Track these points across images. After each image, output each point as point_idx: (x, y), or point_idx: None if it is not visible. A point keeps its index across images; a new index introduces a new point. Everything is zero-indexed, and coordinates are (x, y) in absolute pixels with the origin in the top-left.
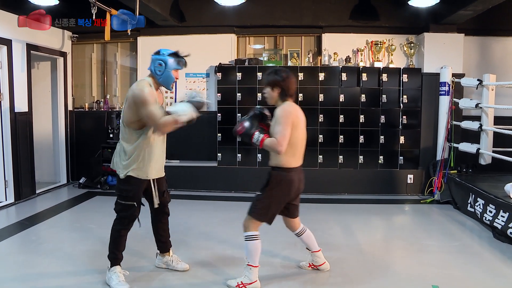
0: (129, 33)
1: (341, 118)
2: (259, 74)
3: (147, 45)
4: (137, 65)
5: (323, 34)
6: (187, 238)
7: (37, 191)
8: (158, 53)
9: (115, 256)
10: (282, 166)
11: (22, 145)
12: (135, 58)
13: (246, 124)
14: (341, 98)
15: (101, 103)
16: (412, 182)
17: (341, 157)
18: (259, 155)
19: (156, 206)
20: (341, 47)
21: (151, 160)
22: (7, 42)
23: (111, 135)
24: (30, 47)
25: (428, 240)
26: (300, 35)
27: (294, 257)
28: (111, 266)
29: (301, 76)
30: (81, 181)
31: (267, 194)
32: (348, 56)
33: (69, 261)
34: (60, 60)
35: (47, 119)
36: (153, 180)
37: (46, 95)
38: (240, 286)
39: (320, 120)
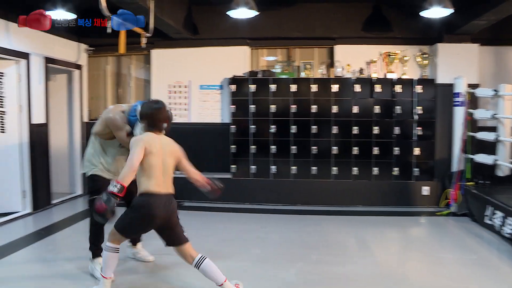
0: (144, 46)
1: (355, 130)
2: (273, 86)
3: (161, 57)
4: (150, 77)
5: (335, 46)
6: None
7: (53, 202)
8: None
9: (96, 248)
10: (143, 191)
11: (39, 156)
12: (149, 70)
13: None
14: (355, 109)
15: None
16: (427, 194)
17: (355, 168)
18: (273, 167)
19: None
20: (354, 58)
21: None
22: (26, 56)
23: None
24: (47, 60)
25: (445, 253)
26: (313, 47)
27: None
28: (93, 258)
29: (314, 87)
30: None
31: (127, 213)
32: (361, 67)
33: (86, 269)
34: (76, 72)
35: (63, 130)
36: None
37: (62, 107)
38: None
39: (334, 131)
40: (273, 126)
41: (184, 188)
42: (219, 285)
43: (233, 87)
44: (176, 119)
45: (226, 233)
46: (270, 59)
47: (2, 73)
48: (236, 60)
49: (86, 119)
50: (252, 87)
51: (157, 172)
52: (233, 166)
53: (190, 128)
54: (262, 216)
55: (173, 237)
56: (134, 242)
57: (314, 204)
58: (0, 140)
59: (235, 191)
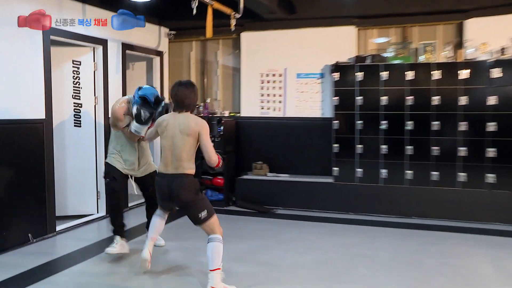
0: (233, 29)
1: (491, 126)
2: (384, 74)
3: (252, 41)
4: (240, 64)
5: (466, 21)
6: (295, 264)
7: (130, 205)
8: (139, 89)
9: (117, 226)
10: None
11: None
12: (238, 56)
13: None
14: (491, 100)
15: (201, 107)
16: None
17: (491, 175)
18: (384, 171)
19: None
20: (492, 35)
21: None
22: (103, 42)
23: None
24: (125, 46)
25: None
26: (436, 24)
27: None
28: (114, 235)
29: (436, 74)
30: None
31: None
32: (503, 46)
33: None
34: (156, 60)
35: None
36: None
37: None
38: None
39: (461, 128)
40: (383, 122)
41: (276, 195)
42: (210, 270)
43: (336, 76)
44: (269, 113)
45: (325, 248)
46: (381, 41)
47: (78, 61)
48: (340, 43)
49: None
50: (359, 75)
51: (166, 152)
52: (335, 168)
53: (285, 123)
54: (369, 229)
55: (189, 217)
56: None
57: (435, 217)
58: (76, 135)
59: (336, 198)
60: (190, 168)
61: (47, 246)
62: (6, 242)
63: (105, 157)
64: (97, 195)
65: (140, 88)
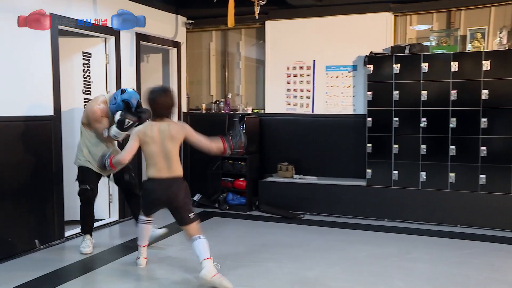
0: (257, 17)
1: None
2: (424, 65)
3: (277, 31)
4: (264, 56)
5: None
6: (324, 275)
7: None
8: (123, 92)
9: (85, 225)
10: (147, 177)
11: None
12: (262, 47)
13: (101, 159)
14: None
15: (221, 103)
16: None
17: None
18: (423, 173)
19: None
20: None
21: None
22: (115, 32)
23: None
24: (139, 37)
25: None
26: (488, 6)
27: None
28: (83, 234)
29: (486, 65)
30: (195, 198)
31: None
32: None
33: None
34: (173, 51)
35: None
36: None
37: None
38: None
39: None
40: (423, 119)
41: (303, 199)
42: (204, 259)
43: (370, 68)
44: (296, 110)
45: (356, 258)
46: (422, 29)
47: (89, 53)
48: (375, 31)
49: (184, 109)
50: (396, 67)
51: (157, 158)
52: (368, 170)
53: (313, 121)
54: (406, 238)
55: (178, 217)
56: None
57: (482, 226)
58: None
59: (370, 203)
60: (181, 171)
61: (55, 254)
62: (11, 249)
63: (76, 160)
64: (109, 198)
65: (123, 92)
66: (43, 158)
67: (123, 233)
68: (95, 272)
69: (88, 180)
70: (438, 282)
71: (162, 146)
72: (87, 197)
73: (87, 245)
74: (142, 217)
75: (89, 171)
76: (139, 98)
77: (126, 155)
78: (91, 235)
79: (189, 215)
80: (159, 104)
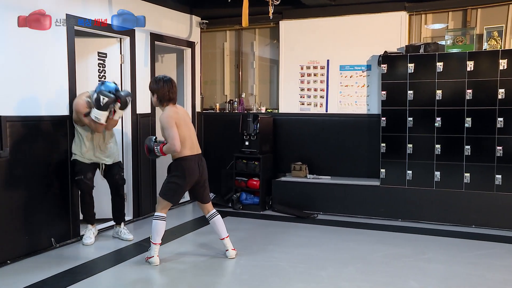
0: (271, 17)
1: None
2: (439, 65)
3: (291, 30)
4: (278, 56)
5: None
6: (337, 275)
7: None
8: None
9: (89, 216)
10: (180, 157)
11: (144, 152)
12: (276, 47)
13: (148, 143)
14: None
15: (235, 103)
16: None
17: None
18: (437, 173)
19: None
20: None
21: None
22: (130, 33)
23: (246, 143)
24: (154, 37)
25: None
26: (506, 4)
27: None
28: (86, 224)
29: (503, 64)
30: None
31: (170, 179)
32: None
33: None
34: (187, 51)
35: None
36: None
37: None
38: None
39: None
40: (438, 119)
41: (317, 198)
42: (221, 239)
43: (385, 67)
44: (310, 110)
45: (370, 258)
46: (437, 27)
47: (104, 54)
48: (389, 31)
49: (198, 109)
50: (411, 67)
51: (187, 138)
52: (382, 170)
53: (327, 120)
54: (420, 238)
55: (201, 195)
56: (118, 221)
57: (498, 227)
58: None
59: (384, 203)
60: None
61: (71, 252)
62: (28, 247)
63: (71, 156)
64: (125, 197)
65: (102, 83)
66: (59, 157)
67: (137, 232)
68: (108, 271)
69: (81, 171)
70: (453, 283)
71: (187, 126)
72: (84, 187)
73: (88, 236)
74: (158, 214)
75: (81, 164)
76: (118, 87)
77: (177, 143)
78: (92, 225)
79: (209, 193)
80: (174, 88)
